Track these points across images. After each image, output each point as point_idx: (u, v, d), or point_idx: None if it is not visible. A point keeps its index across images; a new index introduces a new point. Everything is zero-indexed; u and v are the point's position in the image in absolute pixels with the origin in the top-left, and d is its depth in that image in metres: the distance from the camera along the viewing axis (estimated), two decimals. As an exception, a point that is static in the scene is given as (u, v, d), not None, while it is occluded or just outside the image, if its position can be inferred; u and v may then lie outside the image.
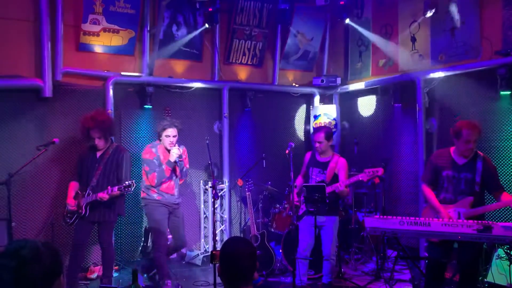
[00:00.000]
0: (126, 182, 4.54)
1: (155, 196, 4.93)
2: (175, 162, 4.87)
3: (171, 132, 4.86)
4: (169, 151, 4.89)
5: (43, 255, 1.62)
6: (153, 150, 4.97)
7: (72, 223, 4.77)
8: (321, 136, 4.92)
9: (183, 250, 6.21)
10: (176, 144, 4.92)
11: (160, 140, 4.98)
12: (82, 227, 4.79)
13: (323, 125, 7.02)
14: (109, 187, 4.58)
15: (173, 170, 4.95)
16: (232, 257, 2.13)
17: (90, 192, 4.70)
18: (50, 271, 1.64)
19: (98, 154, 4.86)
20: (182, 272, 5.80)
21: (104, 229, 4.87)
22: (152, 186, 4.91)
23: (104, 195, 4.57)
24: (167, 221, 5.02)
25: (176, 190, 5.04)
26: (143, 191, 5.03)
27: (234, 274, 2.12)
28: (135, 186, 4.56)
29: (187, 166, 5.15)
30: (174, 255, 5.87)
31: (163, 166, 4.88)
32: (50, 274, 1.64)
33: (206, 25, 6.39)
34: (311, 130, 7.31)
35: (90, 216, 4.73)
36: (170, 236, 5.29)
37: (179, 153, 4.83)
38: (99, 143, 4.81)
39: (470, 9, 5.49)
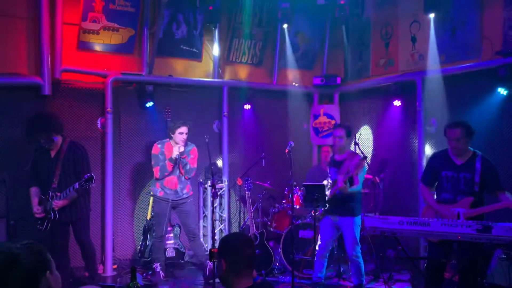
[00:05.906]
0: (85, 176, 4.39)
1: (158, 191, 5.24)
2: (176, 159, 5.11)
3: (184, 129, 5.18)
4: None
5: (20, 258, 1.52)
6: (159, 146, 5.29)
7: (45, 229, 4.60)
8: (342, 131, 4.88)
9: (182, 249, 6.19)
10: (188, 142, 5.29)
11: (171, 138, 5.22)
12: (57, 230, 4.63)
13: (322, 124, 7.03)
14: (57, 193, 4.49)
15: (177, 167, 5.20)
16: (235, 247, 2.15)
17: (53, 195, 4.53)
18: (33, 271, 1.55)
19: (53, 153, 4.64)
20: (181, 270, 5.79)
21: (80, 228, 4.75)
22: (157, 179, 5.22)
23: (59, 204, 4.48)
24: (169, 215, 5.31)
25: (180, 186, 5.25)
26: (151, 185, 5.41)
27: (238, 264, 2.12)
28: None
29: (194, 165, 5.33)
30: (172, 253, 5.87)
31: (166, 161, 5.18)
32: (32, 274, 1.55)
33: (206, 24, 6.38)
34: (310, 130, 7.31)
35: (62, 217, 4.58)
36: (170, 229, 5.72)
37: (180, 151, 5.10)
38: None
39: (470, 9, 5.48)
